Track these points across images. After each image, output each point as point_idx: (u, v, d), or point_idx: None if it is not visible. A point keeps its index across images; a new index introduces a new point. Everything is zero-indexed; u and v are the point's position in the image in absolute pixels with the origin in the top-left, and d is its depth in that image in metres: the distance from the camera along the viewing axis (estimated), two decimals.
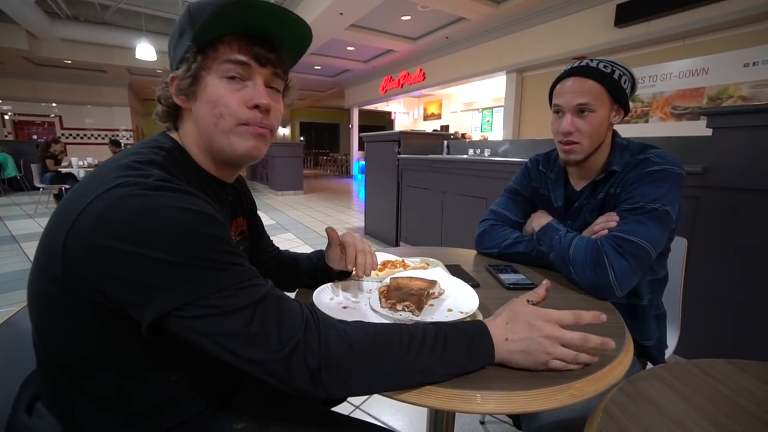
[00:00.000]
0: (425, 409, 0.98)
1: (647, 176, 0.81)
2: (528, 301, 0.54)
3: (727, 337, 1.48)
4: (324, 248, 0.81)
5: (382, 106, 12.01)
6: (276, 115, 0.58)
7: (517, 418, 1.02)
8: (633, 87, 0.90)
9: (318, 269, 0.79)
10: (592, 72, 0.85)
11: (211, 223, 0.46)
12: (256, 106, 0.54)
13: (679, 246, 1.02)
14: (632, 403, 0.45)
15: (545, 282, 0.57)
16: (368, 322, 0.51)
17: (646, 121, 4.65)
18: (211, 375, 0.59)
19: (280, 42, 0.57)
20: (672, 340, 1.02)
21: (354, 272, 0.77)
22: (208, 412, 0.59)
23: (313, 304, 0.66)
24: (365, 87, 11.00)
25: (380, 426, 0.65)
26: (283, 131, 16.13)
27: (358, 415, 1.41)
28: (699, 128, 1.59)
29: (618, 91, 0.86)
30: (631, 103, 0.92)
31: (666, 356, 0.96)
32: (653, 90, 4.55)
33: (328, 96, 13.90)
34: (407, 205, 3.49)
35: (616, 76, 0.85)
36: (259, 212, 0.85)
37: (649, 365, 0.90)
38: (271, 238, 0.89)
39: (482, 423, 1.36)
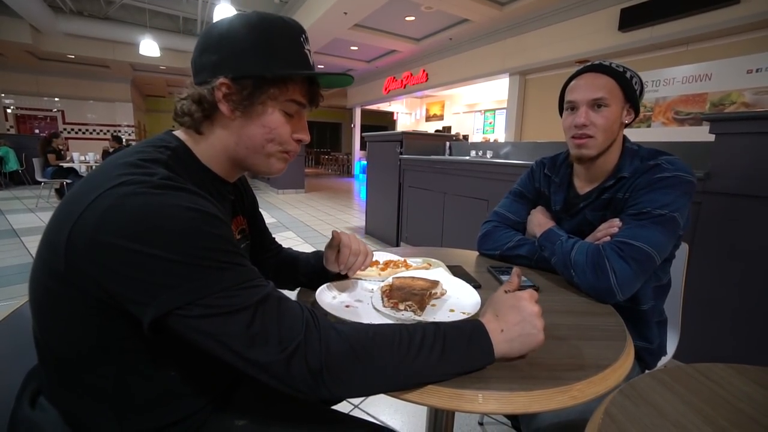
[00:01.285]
0: (424, 409, 0.99)
1: (657, 182, 0.81)
2: (505, 292, 0.57)
3: (727, 343, 1.49)
4: (322, 249, 0.82)
5: (384, 107, 12.02)
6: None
7: (515, 420, 1.02)
8: (641, 91, 0.90)
9: (315, 271, 0.80)
10: (606, 69, 0.87)
11: (214, 223, 0.46)
12: (300, 140, 0.61)
13: (680, 252, 1.02)
14: (633, 405, 0.46)
15: (515, 269, 0.63)
16: (368, 324, 0.51)
17: (648, 126, 4.65)
18: (211, 372, 0.59)
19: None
20: (672, 345, 1.02)
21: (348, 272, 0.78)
22: (208, 408, 0.59)
23: (315, 302, 0.66)
24: (368, 87, 11.00)
25: (380, 425, 0.66)
26: None
27: (357, 414, 1.41)
28: (700, 134, 1.59)
29: (630, 90, 0.87)
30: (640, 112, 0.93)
31: (665, 361, 0.96)
32: (656, 95, 4.55)
33: (330, 95, 13.89)
34: (408, 205, 3.50)
35: (627, 75, 0.87)
36: (261, 211, 0.85)
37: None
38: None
39: (481, 424, 1.37)
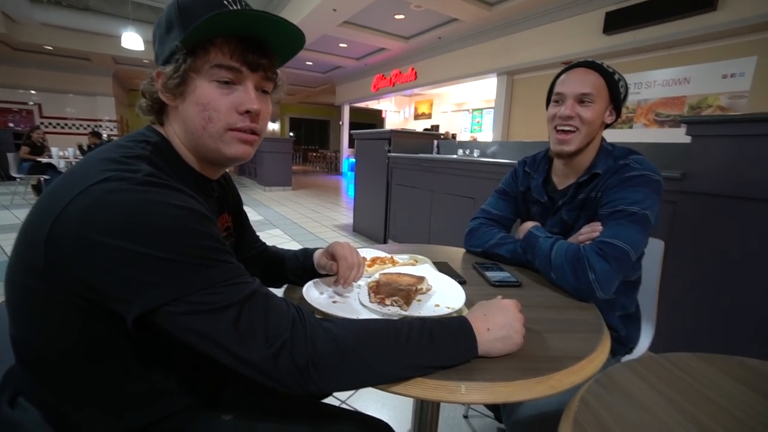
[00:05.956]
0: (410, 404, 1.00)
1: (626, 181, 0.85)
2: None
3: (700, 337, 1.55)
4: (309, 246, 0.83)
5: (373, 104, 12.00)
6: (265, 117, 0.59)
7: (498, 412, 1.05)
8: (626, 95, 0.93)
9: (305, 269, 0.80)
10: (597, 67, 0.90)
11: (201, 220, 0.46)
12: (247, 111, 0.55)
13: (656, 248, 1.07)
14: (607, 393, 0.48)
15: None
16: (354, 320, 0.52)
17: (631, 127, 4.77)
18: (199, 369, 0.59)
19: (271, 45, 0.56)
20: (647, 339, 1.06)
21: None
22: (197, 405, 0.59)
23: (302, 298, 0.67)
24: (357, 84, 10.96)
25: (367, 416, 0.67)
26: (273, 126, 15.97)
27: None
28: (679, 135, 1.64)
29: (616, 91, 0.90)
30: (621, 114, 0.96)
31: (641, 353, 1.00)
32: (638, 97, 4.67)
33: (318, 92, 13.80)
34: (396, 203, 3.51)
35: (616, 77, 0.90)
36: (246, 207, 0.85)
37: (624, 359, 0.94)
38: (259, 234, 0.89)
39: (465, 417, 1.39)
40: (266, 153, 7.56)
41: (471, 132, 9.80)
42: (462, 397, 0.48)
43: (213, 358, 0.45)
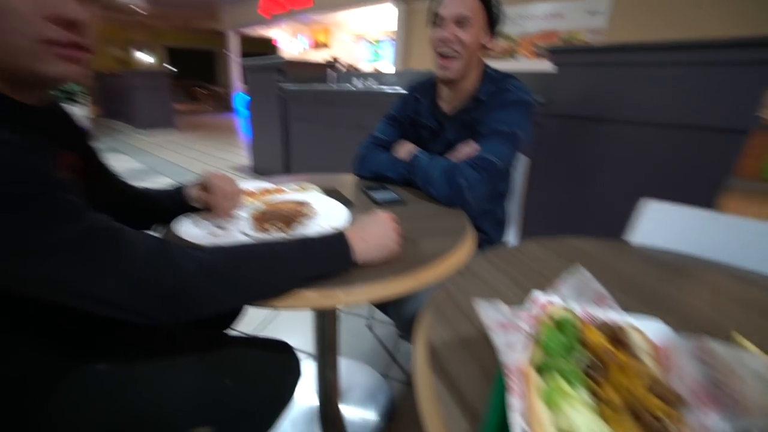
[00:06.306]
0: (310, 328, 1.07)
1: (503, 104, 0.93)
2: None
3: (553, 233, 1.89)
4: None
5: (265, 32, 10.69)
6: (92, 28, 0.47)
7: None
8: (500, 17, 0.96)
9: (178, 205, 0.74)
10: None
11: (5, 151, 0.38)
12: (64, 22, 0.42)
13: (521, 164, 1.22)
14: (464, 280, 0.56)
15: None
16: (226, 245, 0.51)
17: (514, 58, 5.13)
18: (56, 319, 0.52)
19: None
20: (511, 238, 1.25)
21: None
22: (64, 357, 0.54)
23: (174, 234, 0.62)
24: (244, 8, 9.53)
25: (264, 338, 0.68)
26: (147, 59, 13.30)
27: None
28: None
29: (492, 15, 0.93)
30: (499, 39, 1.00)
31: None
32: (521, 30, 4.97)
33: (199, 16, 11.67)
34: (295, 138, 3.36)
35: (492, 1, 0.92)
36: (121, 155, 0.73)
37: None
38: (144, 183, 0.79)
39: (369, 328, 1.54)
40: (139, 91, 6.38)
41: (371, 62, 9.54)
42: (340, 300, 0.52)
43: (67, 304, 0.40)
